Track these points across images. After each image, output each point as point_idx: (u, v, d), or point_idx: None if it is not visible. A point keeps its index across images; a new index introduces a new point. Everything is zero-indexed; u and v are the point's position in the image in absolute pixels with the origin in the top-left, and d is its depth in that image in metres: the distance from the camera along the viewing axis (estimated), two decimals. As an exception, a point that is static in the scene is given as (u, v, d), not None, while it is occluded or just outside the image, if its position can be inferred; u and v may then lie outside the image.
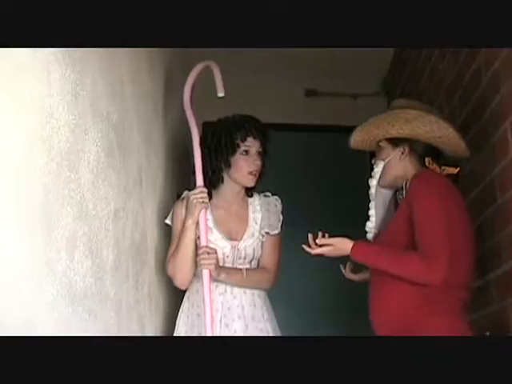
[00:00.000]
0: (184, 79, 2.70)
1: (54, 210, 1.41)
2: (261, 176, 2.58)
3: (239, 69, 3.78)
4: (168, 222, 2.60)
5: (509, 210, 2.17)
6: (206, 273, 2.35)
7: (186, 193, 2.59)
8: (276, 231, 2.58)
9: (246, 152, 2.52)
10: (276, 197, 2.67)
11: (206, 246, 2.38)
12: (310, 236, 2.18)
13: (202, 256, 2.35)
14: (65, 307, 1.44)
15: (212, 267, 2.35)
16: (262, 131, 2.56)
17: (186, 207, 2.44)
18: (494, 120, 2.29)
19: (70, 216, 1.50)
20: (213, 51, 2.81)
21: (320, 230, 2.21)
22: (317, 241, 2.16)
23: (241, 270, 2.50)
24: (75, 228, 1.54)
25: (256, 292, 2.51)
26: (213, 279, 2.39)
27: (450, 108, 2.81)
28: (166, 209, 2.74)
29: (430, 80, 3.21)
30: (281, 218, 2.61)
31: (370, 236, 2.34)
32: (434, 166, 2.22)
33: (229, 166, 2.53)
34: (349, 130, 4.15)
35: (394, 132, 2.26)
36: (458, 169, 2.21)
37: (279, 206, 2.64)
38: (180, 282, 2.49)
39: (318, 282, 4.17)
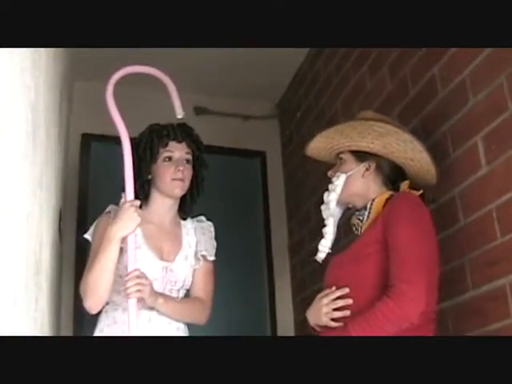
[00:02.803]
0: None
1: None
2: (193, 190, 2.23)
3: (125, 80, 3.41)
4: (88, 237, 2.16)
5: (476, 233, 1.99)
6: (133, 302, 1.87)
7: (111, 207, 2.16)
8: (212, 257, 2.25)
9: (169, 158, 2.16)
10: (210, 222, 2.32)
11: (138, 270, 1.92)
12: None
13: (136, 281, 1.87)
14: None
15: (146, 294, 1.92)
16: (189, 136, 2.21)
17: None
18: (456, 135, 2.12)
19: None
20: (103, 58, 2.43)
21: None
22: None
23: (175, 298, 2.11)
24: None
25: (181, 327, 2.12)
26: (145, 306, 1.97)
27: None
28: (54, 224, 2.26)
29: (347, 100, 3.04)
30: (215, 244, 2.27)
31: (322, 256, 2.03)
32: (409, 190, 1.95)
33: (152, 175, 2.18)
34: (237, 152, 4.19)
35: (364, 145, 1.97)
36: (422, 191, 1.94)
37: (213, 232, 2.30)
38: (93, 302, 1.97)
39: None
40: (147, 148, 2.16)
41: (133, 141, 2.15)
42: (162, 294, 2.04)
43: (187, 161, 2.18)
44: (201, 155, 2.24)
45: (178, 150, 2.17)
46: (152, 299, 1.96)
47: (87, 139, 3.72)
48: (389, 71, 2.61)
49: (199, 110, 3.97)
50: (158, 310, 2.04)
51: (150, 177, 2.17)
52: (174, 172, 2.13)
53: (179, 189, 2.15)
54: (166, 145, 2.16)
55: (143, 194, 2.16)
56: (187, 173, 2.16)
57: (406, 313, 1.68)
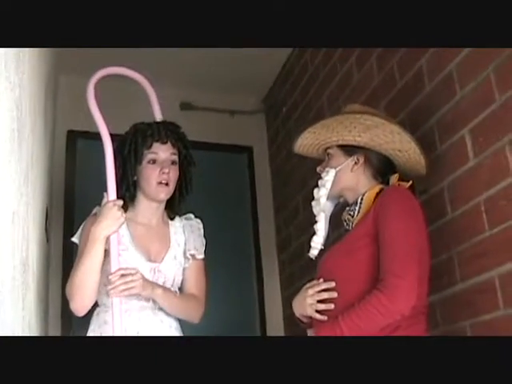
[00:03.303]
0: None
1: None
2: (182, 189, 2.20)
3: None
4: (75, 240, 2.14)
5: (464, 226, 1.99)
6: (116, 301, 1.88)
7: (97, 208, 2.12)
8: (201, 256, 2.24)
9: (154, 161, 2.11)
10: (198, 220, 2.30)
11: (123, 268, 1.93)
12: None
13: (122, 280, 1.89)
14: None
15: (139, 288, 1.92)
16: (174, 135, 2.15)
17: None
18: (443, 128, 2.12)
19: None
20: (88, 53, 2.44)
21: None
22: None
23: (173, 291, 2.10)
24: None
25: (174, 325, 2.11)
26: (143, 297, 2.00)
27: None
28: (40, 223, 2.24)
29: (333, 94, 3.03)
30: (204, 241, 2.26)
31: (314, 252, 2.01)
32: (399, 183, 1.94)
33: (137, 176, 2.13)
34: (224, 148, 4.17)
35: (350, 138, 1.96)
36: (411, 182, 1.94)
37: (201, 230, 2.28)
38: (79, 304, 1.95)
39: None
40: (131, 150, 2.10)
41: (117, 138, 2.14)
42: (160, 286, 2.03)
43: (172, 162, 2.13)
44: (188, 153, 2.19)
45: (163, 151, 2.12)
46: (148, 291, 1.96)
47: (73, 136, 3.69)
48: (376, 63, 2.61)
49: (185, 106, 3.95)
50: (150, 309, 2.03)
51: (135, 178, 2.13)
52: (158, 175, 2.09)
53: (164, 194, 2.12)
54: (150, 146, 2.10)
55: (129, 195, 2.13)
56: (172, 175, 2.12)
57: (397, 306, 1.68)
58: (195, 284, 2.18)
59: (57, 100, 3.57)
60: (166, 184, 2.10)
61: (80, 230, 2.13)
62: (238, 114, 4.09)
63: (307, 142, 2.09)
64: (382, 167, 1.99)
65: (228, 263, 3.71)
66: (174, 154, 2.14)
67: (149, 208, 2.17)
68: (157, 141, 2.11)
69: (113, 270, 1.91)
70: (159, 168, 2.09)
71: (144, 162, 2.11)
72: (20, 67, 1.62)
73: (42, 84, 2.30)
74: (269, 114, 4.09)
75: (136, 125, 2.18)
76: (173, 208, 2.22)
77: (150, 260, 2.09)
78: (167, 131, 2.13)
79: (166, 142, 2.12)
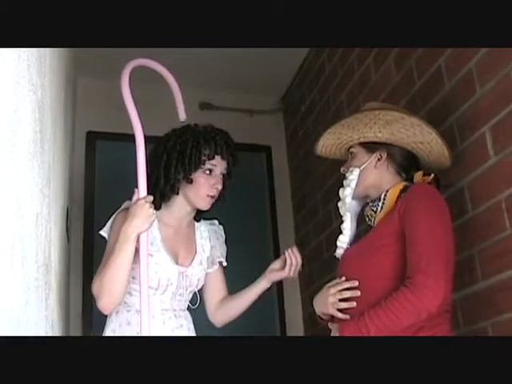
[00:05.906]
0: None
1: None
2: (217, 201, 2.20)
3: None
4: (104, 234, 2.11)
5: (485, 224, 1.98)
6: (145, 304, 1.83)
7: (127, 203, 2.10)
8: (225, 263, 2.30)
9: (210, 171, 2.12)
10: (220, 226, 2.32)
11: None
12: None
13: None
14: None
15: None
16: (232, 152, 2.17)
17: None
18: (463, 126, 2.11)
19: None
20: (107, 54, 2.45)
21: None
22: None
23: None
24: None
25: (192, 328, 2.14)
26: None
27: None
28: (62, 223, 2.25)
29: (352, 93, 3.03)
30: (225, 248, 2.30)
31: (340, 252, 2.01)
32: (424, 178, 1.94)
33: (188, 181, 2.11)
34: (243, 147, 4.18)
35: (371, 135, 1.96)
36: (433, 175, 1.94)
37: (224, 237, 2.31)
38: (108, 302, 1.92)
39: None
40: (193, 154, 2.09)
41: (168, 134, 2.16)
42: None
43: (222, 175, 2.16)
44: (232, 169, 2.20)
45: (220, 165, 2.13)
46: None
47: (92, 137, 3.72)
48: (394, 63, 2.60)
49: (204, 106, 3.98)
50: (171, 312, 2.07)
51: (189, 181, 2.11)
52: (211, 187, 2.10)
53: (208, 204, 2.13)
54: (213, 158, 2.11)
55: (170, 194, 2.12)
56: (220, 189, 2.14)
57: (425, 304, 1.67)
58: (226, 288, 2.28)
59: (76, 101, 3.60)
60: (213, 197, 2.12)
61: (109, 223, 2.11)
62: (257, 114, 4.10)
63: (329, 142, 2.09)
64: (405, 162, 1.99)
65: (248, 263, 3.70)
66: (226, 169, 2.17)
67: (184, 211, 2.17)
68: (219, 154, 2.12)
69: (142, 270, 1.87)
70: (213, 181, 2.10)
71: (199, 170, 2.11)
72: (42, 69, 1.64)
73: (62, 85, 2.32)
74: (287, 113, 4.09)
75: (198, 127, 2.18)
76: (201, 212, 2.23)
77: (177, 263, 2.10)
78: (228, 147, 2.15)
79: (225, 158, 2.14)
